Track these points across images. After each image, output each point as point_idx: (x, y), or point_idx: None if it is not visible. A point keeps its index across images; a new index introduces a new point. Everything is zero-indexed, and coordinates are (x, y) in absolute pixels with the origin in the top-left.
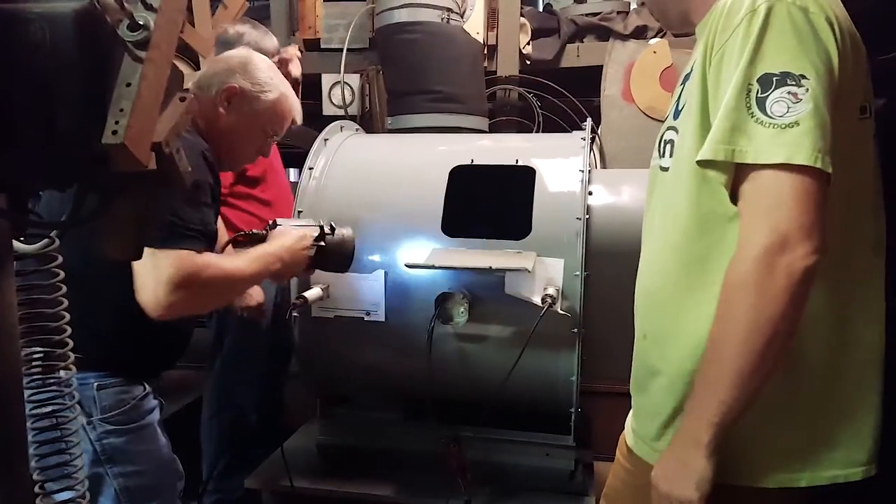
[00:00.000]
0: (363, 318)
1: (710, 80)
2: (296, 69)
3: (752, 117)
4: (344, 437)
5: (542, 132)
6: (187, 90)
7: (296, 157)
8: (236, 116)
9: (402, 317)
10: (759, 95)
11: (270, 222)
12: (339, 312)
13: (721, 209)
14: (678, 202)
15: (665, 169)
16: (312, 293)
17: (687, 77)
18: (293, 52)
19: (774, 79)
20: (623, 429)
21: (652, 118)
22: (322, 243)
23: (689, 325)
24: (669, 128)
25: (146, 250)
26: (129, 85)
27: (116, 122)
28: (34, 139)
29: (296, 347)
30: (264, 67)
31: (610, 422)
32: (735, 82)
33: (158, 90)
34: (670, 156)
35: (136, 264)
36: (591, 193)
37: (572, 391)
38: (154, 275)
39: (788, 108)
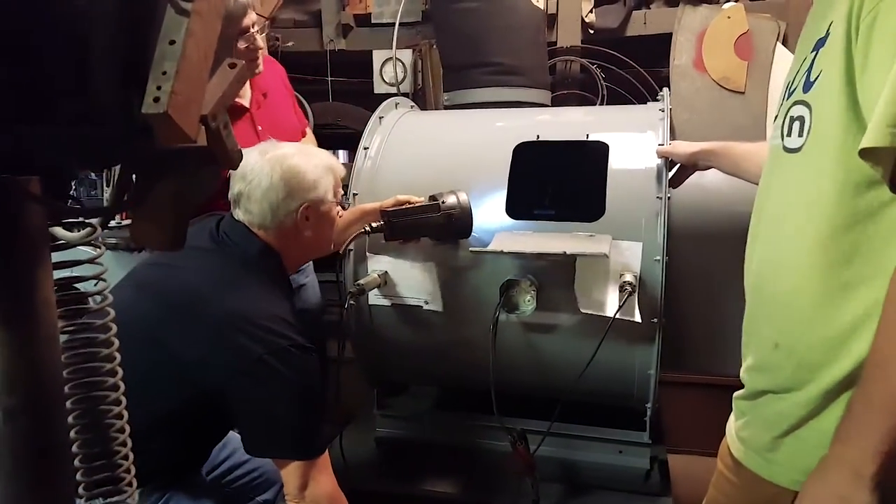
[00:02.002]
0: (422, 306)
1: (858, 46)
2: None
3: None
4: (403, 431)
5: (607, 106)
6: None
7: (345, 137)
8: (316, 222)
9: (464, 305)
10: None
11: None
12: (397, 300)
13: (874, 197)
14: (819, 190)
15: (793, 150)
16: (369, 280)
17: (821, 42)
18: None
19: None
20: (696, 423)
21: (726, 89)
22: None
23: (832, 332)
24: (798, 102)
25: (292, 465)
26: (172, 43)
27: (158, 88)
28: (66, 111)
29: (351, 336)
30: (302, 160)
31: (679, 412)
32: None
33: (207, 50)
34: (800, 135)
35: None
36: (671, 169)
37: (650, 386)
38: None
39: None
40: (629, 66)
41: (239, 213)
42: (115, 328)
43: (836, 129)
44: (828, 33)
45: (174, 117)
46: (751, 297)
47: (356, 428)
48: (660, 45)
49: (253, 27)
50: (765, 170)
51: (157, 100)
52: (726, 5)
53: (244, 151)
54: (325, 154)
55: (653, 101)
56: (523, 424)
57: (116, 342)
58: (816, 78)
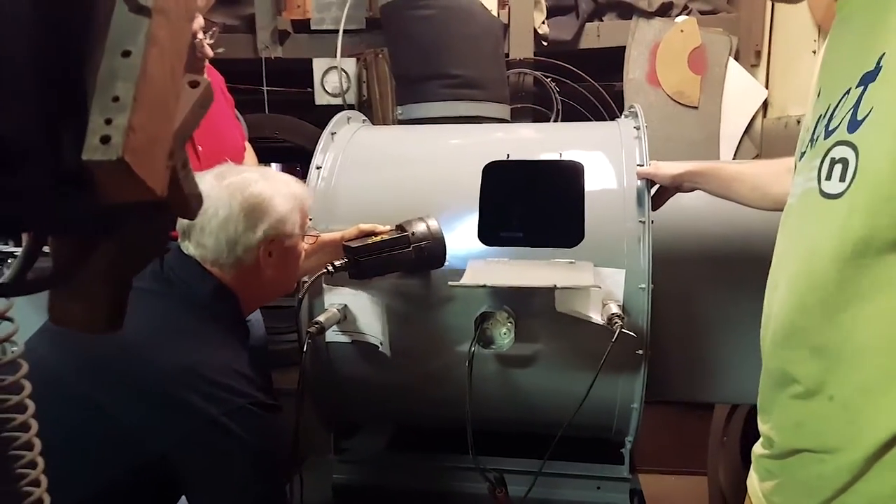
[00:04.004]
0: (378, 346)
1: None
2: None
3: None
4: (364, 476)
5: (561, 121)
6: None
7: (281, 150)
8: (279, 258)
9: (435, 340)
10: None
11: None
12: (358, 337)
13: None
14: (869, 241)
15: (834, 196)
16: (328, 317)
17: (870, 76)
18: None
19: None
20: (658, 440)
21: (680, 104)
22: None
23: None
24: (842, 143)
25: None
26: (127, 54)
27: (108, 122)
28: None
29: (307, 377)
30: (265, 187)
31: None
32: None
33: (175, 64)
34: (842, 179)
35: None
36: (652, 191)
37: (631, 419)
38: None
39: None
40: (583, 80)
41: (189, 247)
42: (29, 387)
43: (891, 175)
44: (879, 66)
45: (133, 165)
46: (780, 348)
47: (311, 474)
48: (613, 59)
49: (200, 33)
50: (792, 213)
51: (105, 140)
52: (679, 19)
53: (196, 175)
54: (291, 180)
55: (614, 117)
56: (496, 463)
57: (31, 406)
58: (866, 116)
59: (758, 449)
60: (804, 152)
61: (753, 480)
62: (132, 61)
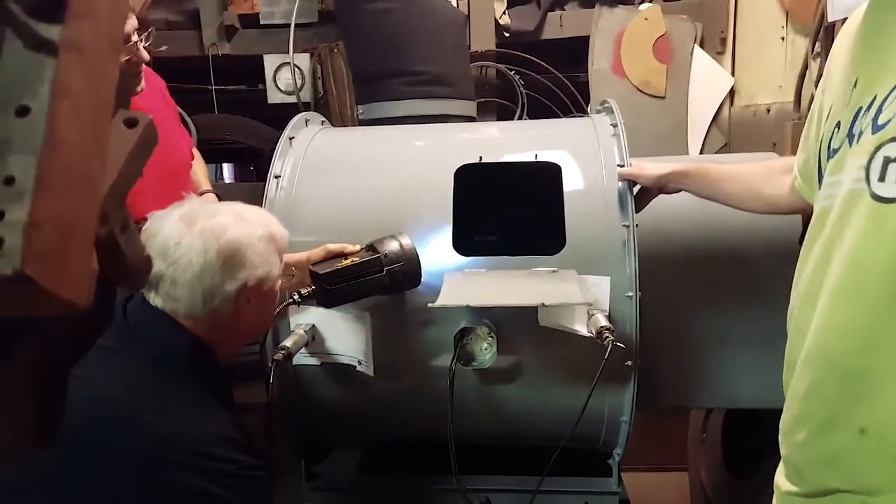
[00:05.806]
0: (356, 366)
1: None
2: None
3: None
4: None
5: (527, 114)
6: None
7: (228, 151)
8: (258, 303)
9: (411, 358)
10: None
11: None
12: (328, 358)
13: None
14: None
15: (890, 200)
16: (295, 340)
17: None
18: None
19: None
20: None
21: (646, 94)
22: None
23: None
24: (893, 139)
25: None
26: (24, 112)
27: (1, 217)
28: None
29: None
30: (242, 231)
31: None
32: None
33: (99, 117)
34: None
35: None
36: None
37: (620, 432)
38: None
39: None
40: (547, 72)
41: (157, 300)
42: None
43: None
44: None
45: (39, 278)
46: (810, 370)
47: (283, 502)
48: (577, 49)
49: (134, 35)
50: (830, 216)
51: None
52: (643, 6)
53: (157, 216)
54: (264, 217)
55: (580, 108)
56: (481, 482)
57: None
58: None
59: (782, 482)
60: (836, 149)
61: None
62: (32, 122)
